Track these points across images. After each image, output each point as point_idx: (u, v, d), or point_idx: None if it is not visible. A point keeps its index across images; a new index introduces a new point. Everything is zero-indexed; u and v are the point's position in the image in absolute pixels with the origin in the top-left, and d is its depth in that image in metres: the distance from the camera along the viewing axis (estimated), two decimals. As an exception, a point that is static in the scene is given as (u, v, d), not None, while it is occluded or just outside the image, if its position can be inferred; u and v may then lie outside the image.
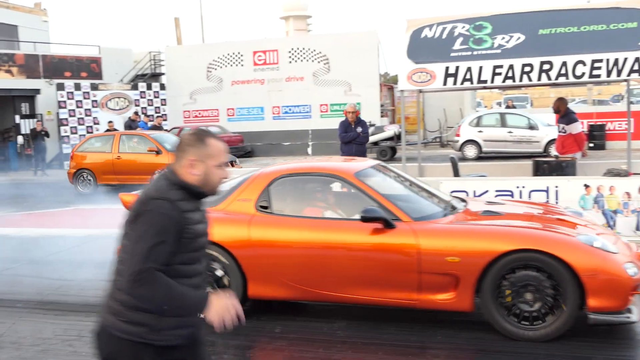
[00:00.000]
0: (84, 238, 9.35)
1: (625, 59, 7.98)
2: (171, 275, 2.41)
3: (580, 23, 8.57)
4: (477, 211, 5.64)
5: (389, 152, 20.23)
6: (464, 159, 18.49)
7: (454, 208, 5.57)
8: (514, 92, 37.01)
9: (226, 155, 2.63)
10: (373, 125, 22.36)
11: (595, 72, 8.11)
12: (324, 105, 24.71)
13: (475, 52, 8.62)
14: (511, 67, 8.34)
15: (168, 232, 2.41)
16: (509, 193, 8.13)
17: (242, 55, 25.46)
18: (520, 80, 8.35)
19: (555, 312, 4.65)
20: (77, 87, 24.05)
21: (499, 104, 37.30)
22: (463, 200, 6.01)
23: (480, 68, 8.44)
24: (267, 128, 25.16)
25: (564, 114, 9.75)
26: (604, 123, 21.38)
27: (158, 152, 14.76)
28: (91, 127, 24.11)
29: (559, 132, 9.81)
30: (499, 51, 8.55)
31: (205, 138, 2.57)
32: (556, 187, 8.02)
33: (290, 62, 25.00)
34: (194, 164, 2.53)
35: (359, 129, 10.28)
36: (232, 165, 14.81)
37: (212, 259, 5.27)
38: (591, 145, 20.63)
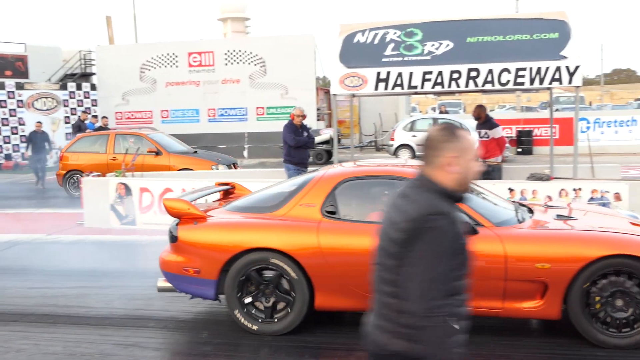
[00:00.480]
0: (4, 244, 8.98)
1: (547, 68, 8.30)
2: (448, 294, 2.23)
3: (506, 32, 8.88)
4: (549, 216, 5.50)
5: (324, 155, 20.38)
6: (398, 163, 18.79)
7: (525, 213, 5.44)
8: (448, 98, 37.94)
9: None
10: (310, 128, 22.49)
11: (519, 80, 8.40)
12: (260, 108, 24.61)
13: (406, 58, 8.78)
14: (440, 73, 8.53)
15: (451, 251, 2.23)
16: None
17: (176, 56, 25.02)
18: (449, 86, 8.55)
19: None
20: (1, 86, 22.98)
21: (434, 109, 38.15)
22: (522, 205, 5.85)
23: (411, 74, 8.59)
24: (202, 130, 24.79)
25: (485, 120, 10.15)
26: (532, 129, 22.25)
27: (158, 153, 14.14)
28: (16, 127, 23.11)
29: (481, 137, 10.13)
30: (428, 57, 8.74)
31: (456, 131, 2.36)
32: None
33: (226, 64, 24.76)
34: (453, 161, 2.32)
35: (305, 133, 10.23)
36: (235, 167, 14.56)
37: (274, 269, 5.04)
38: (519, 150, 21.46)
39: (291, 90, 24.18)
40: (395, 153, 19.66)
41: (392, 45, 8.97)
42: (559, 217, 5.41)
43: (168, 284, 5.44)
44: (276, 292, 5.06)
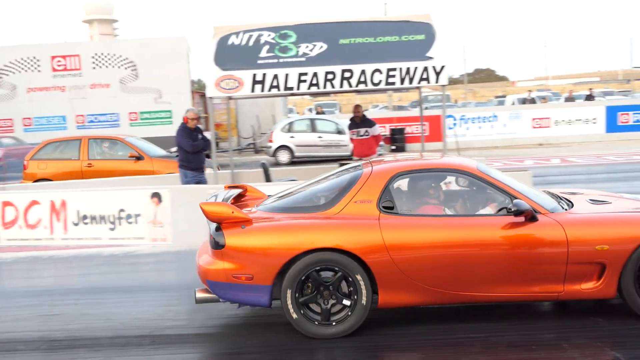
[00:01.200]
0: None
1: (416, 68, 8.74)
2: None
3: (376, 34, 9.22)
4: (584, 201, 5.62)
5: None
6: (277, 164, 18.95)
7: (566, 200, 5.51)
8: (324, 99, 38.74)
9: None
10: (203, 130, 22.00)
11: (390, 80, 8.77)
12: (133, 113, 23.72)
13: (281, 60, 8.85)
14: (315, 74, 8.70)
15: None
16: (318, 196, 8.47)
17: (38, 60, 23.48)
18: (324, 87, 8.74)
19: None
20: None
21: (310, 110, 38.76)
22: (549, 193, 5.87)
23: (287, 75, 8.69)
24: (70, 138, 23.47)
25: (364, 119, 10.59)
26: (404, 127, 23.27)
27: (139, 158, 13.24)
28: None
29: (361, 136, 10.51)
30: (303, 59, 8.88)
31: None
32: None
33: (94, 67, 23.63)
34: None
35: (200, 136, 9.79)
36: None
37: (335, 269, 4.78)
38: (393, 147, 22.35)
39: (165, 94, 23.56)
40: (274, 154, 19.76)
41: (267, 47, 9.01)
42: (594, 201, 5.62)
43: (208, 295, 5.04)
44: (336, 293, 4.83)
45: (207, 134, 16.99)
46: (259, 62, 8.85)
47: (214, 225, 4.96)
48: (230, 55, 8.98)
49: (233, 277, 4.84)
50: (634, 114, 23.97)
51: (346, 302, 4.80)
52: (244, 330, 5.22)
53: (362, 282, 4.75)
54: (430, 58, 8.82)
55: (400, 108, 32.30)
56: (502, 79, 66.81)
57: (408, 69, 8.75)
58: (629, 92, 37.57)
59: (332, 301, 4.82)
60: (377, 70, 8.74)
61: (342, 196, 5.06)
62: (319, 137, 19.86)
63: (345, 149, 19.65)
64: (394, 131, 22.80)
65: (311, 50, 8.99)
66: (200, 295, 5.09)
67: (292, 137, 19.73)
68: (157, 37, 27.84)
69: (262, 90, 8.73)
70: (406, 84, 8.84)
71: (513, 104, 30.83)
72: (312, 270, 4.76)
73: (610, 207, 5.45)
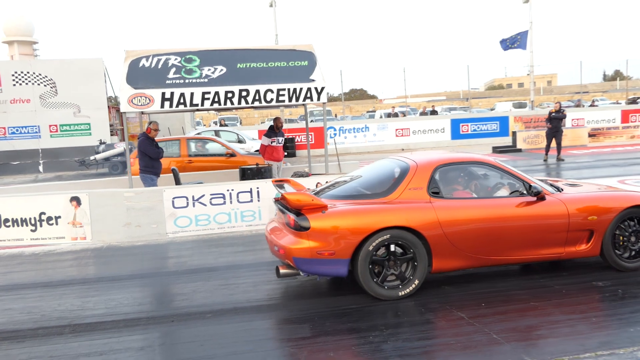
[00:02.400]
0: None
1: (301, 89, 8.82)
2: None
3: (268, 60, 9.21)
4: (566, 185, 6.16)
5: (120, 166, 19.02)
6: (187, 169, 18.36)
7: (555, 185, 5.89)
8: (227, 113, 38.06)
9: None
10: (104, 143, 20.83)
11: (280, 98, 8.79)
12: (53, 126, 22.10)
13: (186, 81, 8.61)
14: (217, 93, 8.54)
15: None
16: (221, 195, 8.33)
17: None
18: (225, 104, 8.60)
19: None
20: None
21: (215, 122, 38.01)
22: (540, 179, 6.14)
23: (192, 94, 8.46)
24: (-9, 149, 21.49)
25: (280, 129, 10.92)
26: (294, 137, 23.46)
27: (232, 155, 13.02)
28: None
29: (278, 143, 10.75)
30: (206, 80, 8.69)
31: None
32: (257, 188, 8.48)
33: (14, 84, 21.74)
34: None
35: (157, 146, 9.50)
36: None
37: (401, 243, 4.99)
38: (286, 154, 22.38)
39: (84, 108, 22.20)
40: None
41: (174, 70, 8.74)
42: (572, 185, 6.21)
43: (289, 270, 5.17)
44: (402, 262, 5.04)
45: (122, 144, 16.14)
46: (167, 82, 8.55)
47: (292, 212, 5.09)
48: (141, 75, 8.60)
49: (317, 253, 4.95)
50: (472, 125, 25.73)
51: (410, 269, 5.05)
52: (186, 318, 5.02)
53: (421, 253, 5.02)
54: (313, 80, 8.94)
55: (291, 121, 32.45)
56: (373, 97, 69.02)
57: (295, 89, 8.82)
58: (467, 108, 40.18)
59: (398, 269, 5.04)
60: (269, 90, 8.73)
61: (398, 185, 5.29)
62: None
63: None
64: (286, 140, 22.77)
65: (213, 72, 8.82)
66: (283, 271, 5.19)
67: (199, 145, 19.21)
68: (76, 57, 26.08)
69: (171, 106, 8.44)
70: (293, 101, 8.91)
71: (381, 117, 31.95)
72: (382, 244, 4.97)
73: (586, 189, 6.03)
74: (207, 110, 9.38)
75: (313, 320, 4.65)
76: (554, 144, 17.09)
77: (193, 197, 8.24)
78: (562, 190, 5.76)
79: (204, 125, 40.52)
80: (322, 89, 8.93)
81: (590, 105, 34.72)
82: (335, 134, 24.36)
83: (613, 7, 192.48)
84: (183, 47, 9.22)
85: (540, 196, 5.34)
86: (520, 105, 37.09)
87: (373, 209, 5.10)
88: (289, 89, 8.80)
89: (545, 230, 5.34)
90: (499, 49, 28.18)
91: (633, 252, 5.53)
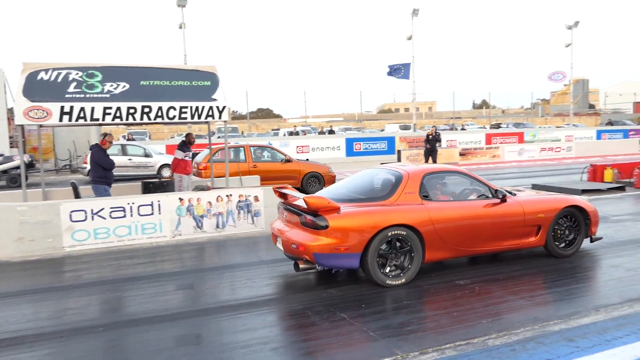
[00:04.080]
0: None
1: (203, 107, 8.60)
2: None
3: (172, 79, 8.88)
4: (516, 191, 6.84)
5: (18, 179, 17.30)
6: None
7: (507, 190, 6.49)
8: (136, 128, 36.18)
9: None
10: (2, 155, 18.87)
11: (183, 115, 8.50)
12: (-54, 136, 19.69)
13: (87, 95, 8.05)
14: (119, 109, 8.07)
15: None
16: (122, 208, 7.86)
17: None
18: (127, 119, 8.14)
19: (577, 237, 6.53)
20: None
21: (124, 136, 36.02)
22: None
23: (93, 109, 7.91)
24: None
25: (192, 143, 10.78)
26: (201, 151, 22.75)
27: (289, 161, 13.67)
28: None
29: (190, 157, 10.48)
30: (108, 95, 8.18)
31: None
32: (159, 201, 8.11)
33: None
34: None
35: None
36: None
37: (401, 238, 5.44)
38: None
39: (-19, 119, 20.01)
40: (89, 174, 17.79)
41: (74, 84, 8.13)
42: (519, 190, 6.98)
43: (307, 265, 5.45)
44: (403, 254, 5.51)
45: (25, 156, 14.81)
46: (67, 95, 7.92)
47: (309, 213, 5.37)
48: (38, 88, 7.90)
49: (335, 248, 5.25)
50: (364, 144, 26.69)
51: (407, 260, 5.51)
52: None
53: (417, 246, 5.51)
54: (215, 100, 8.76)
55: (200, 137, 31.55)
56: (278, 116, 69.28)
57: (197, 107, 8.58)
58: (361, 129, 41.68)
59: (400, 260, 5.50)
60: (172, 107, 8.41)
61: (395, 190, 5.74)
62: (129, 159, 18.48)
63: (152, 169, 18.61)
64: (193, 155, 22.15)
65: (115, 88, 8.32)
66: (303, 265, 5.46)
67: (105, 159, 18.03)
68: (-27, 68, 23.48)
69: (70, 120, 7.82)
70: (195, 119, 8.65)
71: (284, 135, 32.16)
72: (388, 240, 5.40)
73: (529, 193, 6.87)
74: (109, 124, 8.81)
75: (209, 331, 4.49)
76: (431, 161, 18.22)
77: (92, 210, 7.68)
78: (515, 194, 6.49)
79: (112, 139, 38.15)
80: (224, 108, 8.77)
81: (462, 129, 37.52)
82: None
83: (481, 46, 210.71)
84: (85, 62, 8.65)
85: (503, 199, 6.10)
86: (406, 128, 39.16)
87: (379, 210, 5.50)
88: (191, 107, 8.54)
89: (508, 226, 6.07)
90: (389, 78, 29.61)
91: (567, 242, 6.51)
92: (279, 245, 5.90)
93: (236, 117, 64.12)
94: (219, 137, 26.98)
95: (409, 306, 4.88)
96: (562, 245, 6.49)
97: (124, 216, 7.83)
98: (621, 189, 12.46)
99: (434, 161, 18.05)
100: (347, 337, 4.20)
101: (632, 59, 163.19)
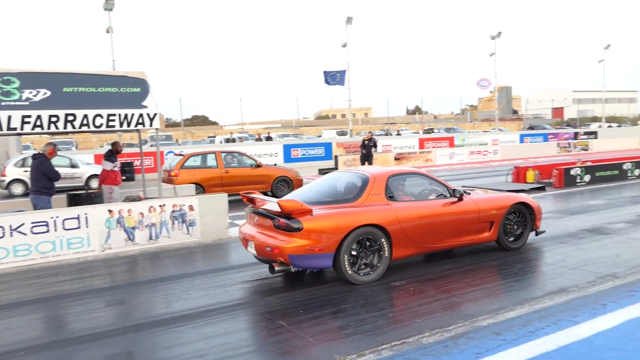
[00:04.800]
0: None
1: (132, 114, 8.30)
2: None
3: (98, 85, 8.49)
4: (470, 190, 7.24)
5: None
6: (10, 196, 16.06)
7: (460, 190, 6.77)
8: (62, 137, 34.21)
9: None
10: None
11: (111, 123, 8.15)
12: None
13: (3, 103, 7.52)
14: (39, 117, 7.61)
15: None
16: (44, 223, 7.39)
17: None
18: (49, 128, 7.69)
19: (524, 231, 7.06)
20: None
21: (47, 147, 33.86)
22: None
23: (9, 117, 7.41)
24: None
25: (119, 152, 10.27)
26: (133, 160, 21.95)
27: (259, 166, 13.70)
28: None
29: (117, 168, 10.00)
30: (27, 103, 7.69)
31: None
32: (86, 214, 7.71)
33: None
34: None
35: None
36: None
37: (370, 237, 5.66)
38: (124, 178, 20.84)
39: None
40: (7, 187, 16.67)
41: (-12, 91, 7.57)
42: (471, 189, 7.39)
43: (283, 267, 5.49)
44: (372, 253, 5.72)
45: None
46: (-21, 103, 7.37)
47: (282, 216, 5.46)
48: (-54, 96, 7.29)
49: (309, 249, 5.37)
50: (301, 150, 26.82)
51: (376, 258, 5.74)
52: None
53: (386, 244, 5.76)
54: (145, 107, 8.47)
55: (130, 145, 30.34)
56: (214, 123, 68.11)
57: (126, 114, 8.26)
58: (299, 135, 41.88)
59: (369, 258, 5.72)
60: (99, 115, 8.04)
61: (363, 192, 5.92)
62: (54, 170, 17.41)
63: (79, 180, 17.66)
64: (123, 164, 21.27)
65: (35, 95, 7.84)
66: (278, 268, 5.51)
67: (26, 171, 16.86)
68: None
69: (-17, 129, 7.28)
70: (125, 127, 8.31)
71: (221, 142, 31.64)
72: (358, 239, 5.59)
73: (481, 192, 7.25)
74: (28, 134, 8.27)
75: (141, 347, 4.31)
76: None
77: (11, 226, 7.16)
78: (470, 193, 6.86)
79: (35, 149, 35.88)
80: (155, 115, 8.50)
81: (397, 134, 38.66)
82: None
83: (413, 54, 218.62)
84: (0, 67, 8.07)
85: (460, 197, 6.44)
86: (342, 133, 39.79)
87: (350, 211, 5.69)
88: (119, 115, 8.21)
89: (465, 223, 6.44)
90: (326, 85, 29.96)
91: (515, 236, 7.01)
92: (251, 249, 5.91)
93: (170, 124, 62.28)
94: (151, 146, 26.14)
95: (347, 309, 4.94)
96: (512, 239, 6.96)
97: (47, 231, 7.37)
98: (542, 189, 13.33)
99: (370, 165, 18.44)
100: (286, 344, 4.18)
101: (550, 67, 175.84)
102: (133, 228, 8.01)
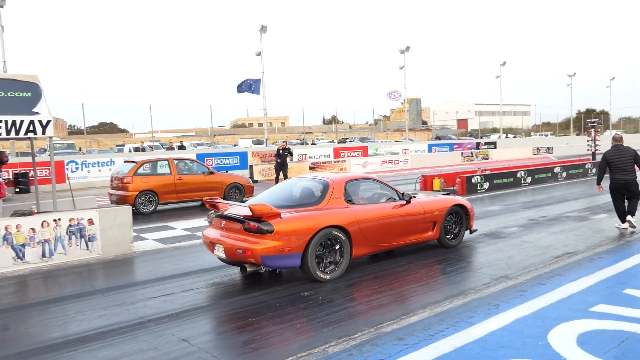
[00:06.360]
0: None
1: (22, 121, 7.64)
2: None
3: (-19, 88, 7.72)
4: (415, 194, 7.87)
5: None
6: None
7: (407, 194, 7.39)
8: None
9: None
10: None
11: (-4, 131, 7.44)
12: None
13: None
14: None
15: None
16: None
17: None
18: None
19: (461, 230, 7.92)
20: None
21: None
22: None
23: None
24: None
25: (5, 163, 9.74)
26: (28, 171, 20.18)
27: (212, 173, 13.79)
28: None
29: (2, 179, 9.16)
30: None
31: None
32: (-35, 231, 6.93)
33: None
34: None
35: None
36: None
37: (333, 237, 6.14)
38: (17, 190, 19.10)
39: None
40: None
41: None
42: (414, 194, 7.84)
43: (254, 267, 5.83)
44: (335, 251, 6.19)
45: None
46: None
47: (253, 220, 5.80)
48: None
49: (279, 250, 5.73)
50: (216, 159, 26.24)
51: (339, 256, 6.22)
52: None
53: (347, 243, 6.26)
54: (37, 113, 7.83)
55: (24, 154, 27.93)
56: (124, 131, 64.73)
57: (14, 121, 7.58)
58: (214, 143, 40.99)
59: (333, 256, 6.19)
60: (-19, 121, 7.31)
61: (325, 196, 6.42)
62: None
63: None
64: (17, 175, 19.51)
65: None
66: (250, 268, 5.85)
67: None
68: None
69: None
70: (13, 134, 7.61)
71: (130, 151, 30.13)
72: (322, 239, 6.04)
73: (423, 195, 7.93)
74: None
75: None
76: (282, 175, 18.61)
77: None
78: (416, 196, 7.55)
79: None
80: (48, 122, 7.89)
81: (312, 144, 39.18)
82: (77, 168, 21.92)
83: (328, 65, 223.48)
84: None
85: (409, 200, 7.09)
86: (259, 142, 39.57)
87: (315, 214, 6.13)
88: (7, 122, 7.53)
89: (412, 223, 7.08)
90: (243, 93, 29.62)
91: (453, 235, 7.78)
92: (219, 252, 6.13)
93: (74, 131, 58.26)
94: (49, 155, 24.24)
95: (254, 323, 4.86)
96: (450, 237, 7.75)
97: None
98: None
99: (285, 175, 18.45)
100: (188, 363, 4.01)
101: (455, 81, 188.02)
102: (23, 245, 7.33)
